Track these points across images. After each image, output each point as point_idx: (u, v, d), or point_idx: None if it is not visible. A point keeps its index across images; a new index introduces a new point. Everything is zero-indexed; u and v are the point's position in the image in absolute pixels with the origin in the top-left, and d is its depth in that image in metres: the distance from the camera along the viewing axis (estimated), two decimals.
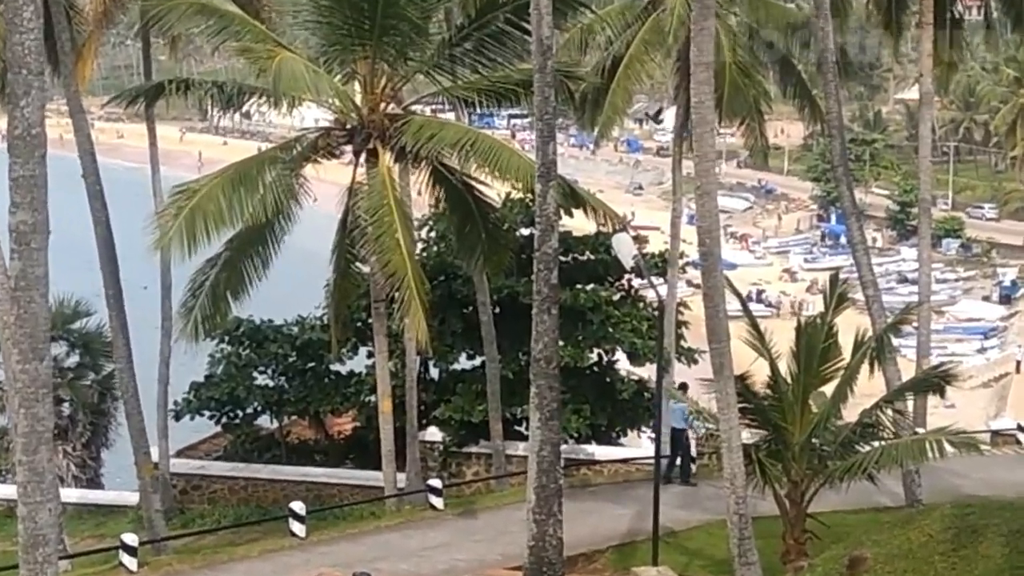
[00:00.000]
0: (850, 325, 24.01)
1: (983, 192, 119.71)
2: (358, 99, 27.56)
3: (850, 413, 23.07)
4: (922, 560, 17.96)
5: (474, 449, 32.93)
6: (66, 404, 34.98)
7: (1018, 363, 76.05)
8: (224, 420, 35.46)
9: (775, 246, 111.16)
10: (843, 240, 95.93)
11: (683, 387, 30.72)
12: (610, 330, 33.57)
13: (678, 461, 29.76)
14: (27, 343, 10.30)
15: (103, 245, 28.96)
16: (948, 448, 21.85)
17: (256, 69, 27.52)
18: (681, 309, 35.39)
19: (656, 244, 41.02)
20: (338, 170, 29.48)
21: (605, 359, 34.88)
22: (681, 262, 35.49)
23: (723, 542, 22.74)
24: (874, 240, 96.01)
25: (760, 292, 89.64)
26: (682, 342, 35.14)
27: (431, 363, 34.55)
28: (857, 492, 23.32)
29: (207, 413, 35.12)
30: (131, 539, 24.80)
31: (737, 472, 21.66)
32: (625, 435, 35.98)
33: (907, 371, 27.78)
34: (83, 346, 36.96)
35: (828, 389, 23.00)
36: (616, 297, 34.63)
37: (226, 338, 34.29)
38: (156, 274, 32.01)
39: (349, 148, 28.05)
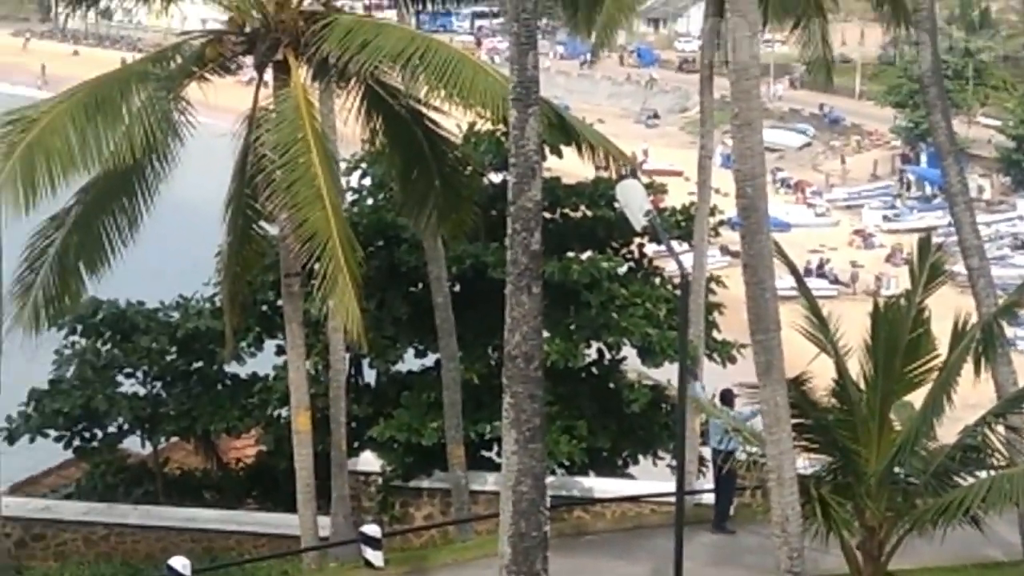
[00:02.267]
0: (947, 308, 24.01)
1: None
2: None
3: (947, 432, 23.14)
4: None
5: (426, 483, 33.04)
6: None
7: None
8: (77, 442, 35.47)
9: (843, 198, 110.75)
10: (937, 190, 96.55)
11: (727, 396, 30.78)
12: (615, 316, 33.54)
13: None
14: None
15: None
16: None
17: None
18: (713, 286, 35.50)
19: (678, 195, 41.08)
20: (234, 90, 29.43)
21: (608, 356, 34.98)
22: (712, 220, 35.45)
23: None
24: (980, 190, 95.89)
25: (823, 263, 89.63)
26: (714, 332, 35.24)
27: (366, 363, 34.58)
28: (957, 541, 23.42)
29: (53, 433, 35.06)
30: None
31: (790, 514, 21.68)
32: (636, 463, 35.99)
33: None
34: None
35: (916, 398, 23.05)
36: (623, 270, 34.65)
37: (79, 328, 34.35)
38: None
39: (250, 60, 28.02)
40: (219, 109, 29.40)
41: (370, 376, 35.39)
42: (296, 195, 26.09)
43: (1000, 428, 23.32)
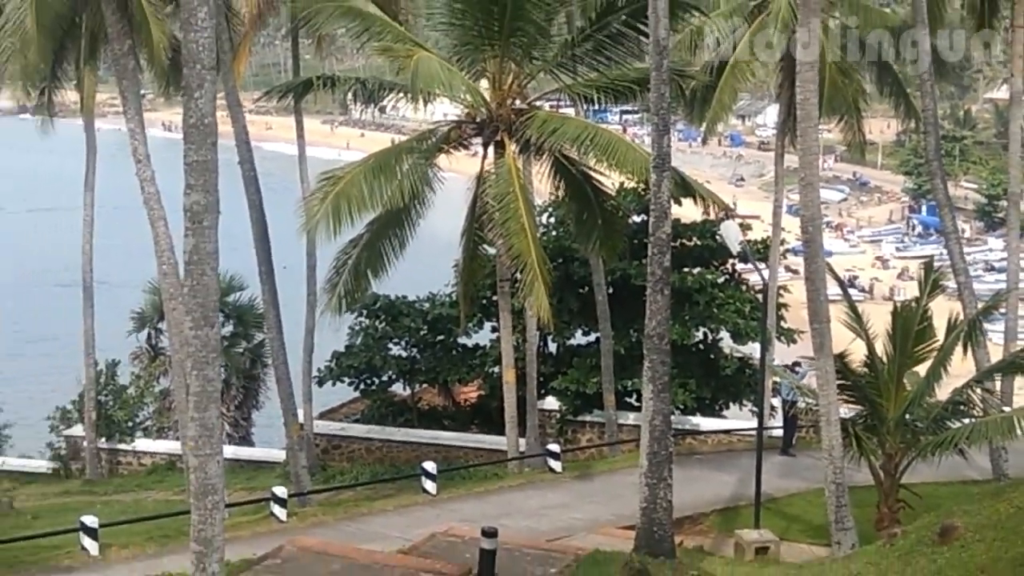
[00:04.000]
0: (941, 310, 23.60)
1: None
2: (487, 95, 27.50)
3: (942, 392, 22.72)
4: (1010, 530, 17.56)
5: (588, 418, 33.00)
6: (221, 369, 35.61)
7: None
8: (362, 387, 35.72)
9: (868, 235, 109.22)
10: (932, 230, 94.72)
11: (795, 365, 30.62)
12: (715, 311, 33.33)
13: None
14: (199, 311, 10.51)
15: (257, 226, 29.32)
16: None
17: (395, 67, 27.78)
18: (781, 292, 35.18)
19: (757, 232, 40.58)
20: (467, 160, 29.60)
21: (710, 337, 34.64)
22: (781, 249, 35.14)
23: (820, 509, 22.56)
24: (962, 231, 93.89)
25: (853, 278, 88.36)
26: (782, 323, 34.86)
27: (550, 338, 34.53)
28: (948, 466, 23.03)
29: (347, 380, 35.38)
30: (281, 492, 25.24)
31: (835, 444, 21.47)
32: (728, 408, 35.67)
33: (995, 354, 27.16)
34: (237, 317, 37.86)
35: (922, 369, 22.66)
36: (720, 280, 34.40)
37: (365, 312, 34.51)
38: (302, 253, 32.41)
39: (478, 140, 28.13)
40: (457, 171, 29.49)
41: (553, 347, 35.33)
42: (508, 228, 26.15)
43: (978, 390, 22.94)
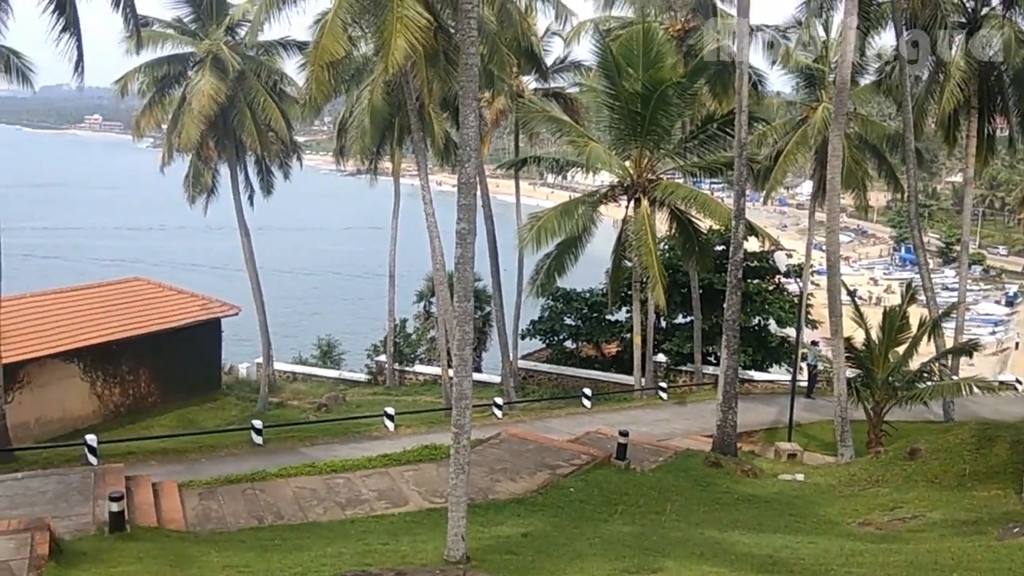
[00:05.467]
0: (915, 314, 22.59)
1: (998, 239, 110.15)
2: (631, 170, 27.39)
3: (914, 365, 21.77)
4: (955, 453, 16.82)
5: (685, 368, 32.43)
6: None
7: (1016, 343, 70.31)
8: (547, 342, 35.59)
9: (866, 264, 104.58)
10: (908, 263, 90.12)
11: (815, 344, 29.68)
12: (766, 306, 32.33)
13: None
14: (462, 291, 10.71)
15: (489, 243, 29.70)
16: (974, 389, 20.42)
17: (576, 151, 27.83)
18: (808, 296, 33.95)
19: (793, 259, 39.24)
20: (615, 209, 29.47)
21: (762, 323, 33.57)
22: (810, 270, 33.93)
23: (831, 433, 21.87)
24: (929, 264, 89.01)
25: (855, 291, 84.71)
26: (808, 316, 33.63)
27: (662, 318, 33.99)
28: (916, 412, 22.07)
29: (538, 337, 35.30)
30: (499, 400, 25.54)
31: (842, 393, 20.79)
32: (771, 367, 34.62)
33: (948, 343, 25.80)
34: (476, 296, 38.16)
35: (900, 349, 21.73)
36: (770, 288, 33.31)
37: (551, 297, 34.19)
38: (515, 260, 32.62)
39: (623, 197, 27.90)
40: (608, 215, 29.39)
41: (663, 323, 34.77)
42: (640, 251, 26.00)
43: (937, 364, 21.94)
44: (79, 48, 19.19)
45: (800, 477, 18.32)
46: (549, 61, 32.68)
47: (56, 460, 18.84)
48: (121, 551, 10.62)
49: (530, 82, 32.63)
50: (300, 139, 34.72)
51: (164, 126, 29.42)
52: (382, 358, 36.55)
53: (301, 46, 27.69)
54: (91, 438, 18.96)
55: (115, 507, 11.63)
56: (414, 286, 39.65)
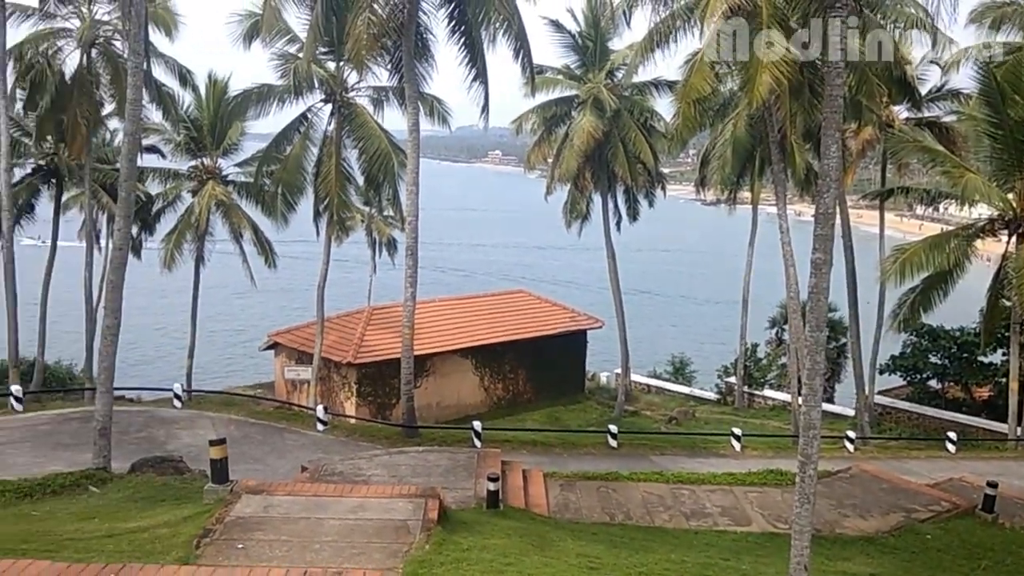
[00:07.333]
0: None
1: None
2: (1013, 202, 24.46)
3: None
4: None
5: None
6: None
7: None
8: (907, 379, 32.96)
9: None
10: None
11: None
12: None
13: None
14: (815, 321, 10.10)
15: (848, 275, 27.98)
16: None
17: (950, 182, 25.45)
18: None
19: None
20: (994, 244, 26.39)
21: None
22: None
23: None
24: None
25: None
26: None
27: None
28: None
29: (898, 373, 32.83)
30: (851, 434, 24.25)
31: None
32: None
33: None
34: (830, 326, 36.31)
35: None
36: None
37: (914, 333, 31.68)
38: (876, 292, 30.54)
39: (1004, 232, 24.98)
40: (985, 251, 26.27)
41: None
42: (1021, 290, 23.07)
43: None
44: (486, 94, 22.16)
45: None
46: (924, 89, 30.27)
47: (449, 439, 21.67)
48: (494, 525, 11.53)
49: (901, 111, 30.52)
50: (665, 170, 35.79)
51: (550, 160, 32.33)
52: (732, 379, 36.42)
53: (671, 85, 28.86)
54: (477, 424, 21.69)
55: (492, 487, 12.90)
56: (766, 312, 38.85)
